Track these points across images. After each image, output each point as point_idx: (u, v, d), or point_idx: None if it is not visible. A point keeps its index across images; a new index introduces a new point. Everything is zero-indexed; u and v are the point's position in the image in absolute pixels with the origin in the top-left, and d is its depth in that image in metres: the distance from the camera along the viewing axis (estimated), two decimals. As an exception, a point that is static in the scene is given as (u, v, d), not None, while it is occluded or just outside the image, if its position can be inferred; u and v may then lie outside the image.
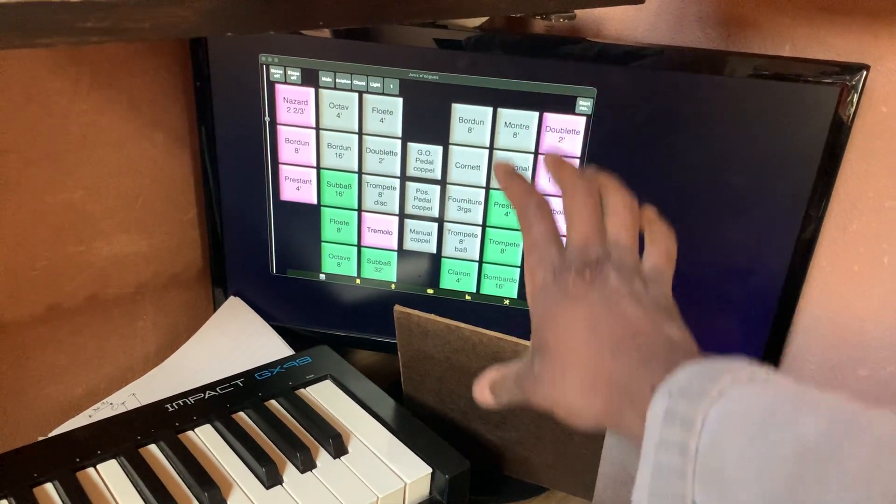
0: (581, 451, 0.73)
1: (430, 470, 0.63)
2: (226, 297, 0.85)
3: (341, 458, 0.63)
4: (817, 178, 0.70)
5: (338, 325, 0.85)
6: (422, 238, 0.78)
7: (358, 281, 0.82)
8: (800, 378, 0.78)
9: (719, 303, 0.76)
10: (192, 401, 0.69)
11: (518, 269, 0.78)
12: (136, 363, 0.84)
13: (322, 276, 0.82)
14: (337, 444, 0.64)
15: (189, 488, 0.59)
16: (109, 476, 0.60)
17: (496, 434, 0.77)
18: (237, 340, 0.83)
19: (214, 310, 0.85)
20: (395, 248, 0.79)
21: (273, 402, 0.70)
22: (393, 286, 0.81)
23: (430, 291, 0.81)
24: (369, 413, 0.70)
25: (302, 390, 0.72)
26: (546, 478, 0.80)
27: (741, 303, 0.76)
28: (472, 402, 0.76)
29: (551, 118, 0.72)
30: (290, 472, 0.61)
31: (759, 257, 0.74)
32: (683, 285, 0.75)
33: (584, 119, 0.71)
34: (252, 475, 0.61)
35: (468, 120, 0.73)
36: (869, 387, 0.76)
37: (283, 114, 0.76)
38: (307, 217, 0.80)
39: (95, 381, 0.81)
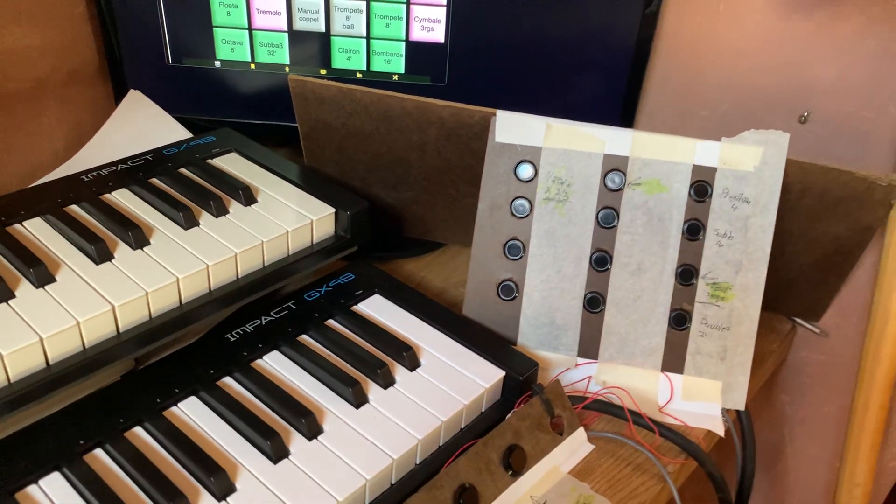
0: (469, 203, 0.83)
1: (332, 209, 0.71)
2: (126, 92, 0.88)
3: (252, 206, 0.71)
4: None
5: (239, 113, 0.90)
6: (310, 17, 0.83)
7: (253, 66, 0.86)
8: (654, 126, 0.91)
9: (580, 65, 0.85)
10: (105, 172, 0.74)
11: (403, 43, 0.84)
12: (46, 160, 0.88)
13: (217, 63, 0.86)
14: (247, 194, 0.71)
15: (112, 232, 0.65)
16: (38, 230, 0.65)
17: (394, 196, 0.85)
18: (142, 132, 0.87)
19: (117, 104, 0.88)
20: (286, 28, 0.84)
21: (184, 169, 0.76)
22: (287, 69, 0.86)
23: (322, 72, 0.87)
24: (275, 174, 0.77)
25: (209, 160, 0.78)
26: (440, 234, 0.90)
27: (601, 64, 0.85)
28: (369, 166, 0.85)
29: None
30: (205, 218, 0.68)
31: (613, 21, 0.83)
32: (547, 48, 0.85)
33: None
34: (171, 221, 0.67)
35: None
36: (710, 125, 0.88)
37: None
38: (196, 3, 0.82)
39: (5, 177, 0.85)
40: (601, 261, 0.71)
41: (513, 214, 0.72)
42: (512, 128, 0.71)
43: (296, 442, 0.57)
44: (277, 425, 0.58)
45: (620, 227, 0.71)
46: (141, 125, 0.88)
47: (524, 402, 0.64)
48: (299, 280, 0.73)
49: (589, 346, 0.72)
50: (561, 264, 0.72)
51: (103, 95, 0.91)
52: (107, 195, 0.71)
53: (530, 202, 0.72)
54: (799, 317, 0.87)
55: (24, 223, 0.66)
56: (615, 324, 0.71)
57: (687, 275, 0.70)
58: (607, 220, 0.71)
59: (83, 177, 0.73)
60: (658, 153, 0.70)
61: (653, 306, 0.71)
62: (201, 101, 0.89)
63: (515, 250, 0.72)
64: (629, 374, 0.71)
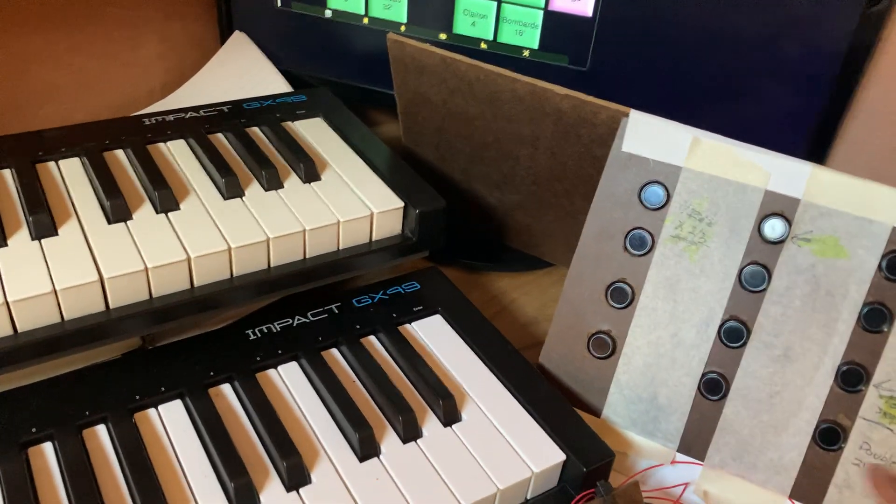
0: (584, 221, 0.67)
1: (401, 203, 0.58)
2: (231, 33, 0.80)
3: (311, 183, 0.59)
4: None
5: (344, 73, 0.78)
6: (436, -31, 0.69)
7: (365, 20, 0.74)
8: (852, 163, 0.69)
9: (763, 67, 0.65)
10: (171, 118, 0.65)
11: (541, 12, 0.69)
12: (141, 95, 0.81)
13: (328, 13, 0.75)
14: (308, 169, 0.59)
15: (143, 189, 0.56)
16: (67, 170, 0.57)
17: (496, 196, 0.71)
18: (242, 79, 0.79)
19: (221, 45, 0.80)
20: (407, -21, 0.71)
21: (255, 128, 0.66)
22: (403, 28, 0.74)
23: (442, 37, 0.73)
24: (355, 151, 0.64)
25: (289, 123, 0.68)
26: (548, 251, 0.74)
27: (795, 70, 0.65)
28: (471, 157, 0.71)
29: None
30: (253, 188, 0.58)
31: (822, 17, 0.62)
32: (723, 41, 0.65)
33: None
34: (213, 187, 0.57)
35: None
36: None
37: None
38: (314, -59, 0.72)
39: (97, 107, 0.79)
40: (735, 333, 0.53)
41: (627, 249, 0.55)
42: (647, 135, 0.54)
43: (270, 488, 0.45)
44: (254, 460, 0.46)
45: (771, 294, 0.52)
46: (242, 72, 0.79)
47: (583, 502, 0.48)
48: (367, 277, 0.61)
49: (695, 442, 0.54)
50: (679, 326, 0.54)
51: (208, 34, 0.83)
52: (158, 144, 0.62)
53: (653, 237, 0.54)
54: None
55: (59, 162, 0.58)
56: (737, 420, 0.53)
57: (853, 377, 0.50)
58: (754, 280, 0.52)
59: (145, 119, 0.64)
60: (844, 202, 0.50)
61: (795, 409, 0.51)
62: (306, 53, 0.79)
63: (621, 296, 0.55)
64: (742, 492, 0.52)
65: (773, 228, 0.51)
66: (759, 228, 0.52)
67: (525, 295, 0.72)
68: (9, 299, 0.45)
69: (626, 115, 0.55)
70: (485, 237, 0.75)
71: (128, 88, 0.80)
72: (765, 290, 0.52)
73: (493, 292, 0.71)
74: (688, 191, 0.53)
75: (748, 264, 0.52)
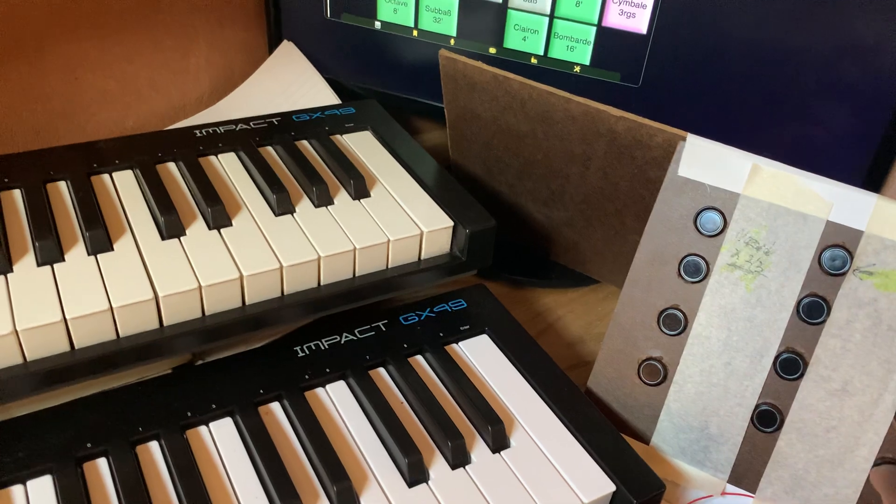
0: (633, 240, 0.66)
1: (451, 223, 0.58)
2: (279, 42, 0.80)
3: (360, 200, 0.59)
4: None
5: (389, 83, 0.78)
6: (488, -17, 0.69)
7: (415, 32, 0.74)
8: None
9: (823, 90, 0.63)
10: (221, 130, 0.65)
11: (594, 29, 0.68)
12: (190, 102, 0.82)
13: (377, 24, 0.75)
14: (358, 186, 0.59)
15: (196, 204, 0.56)
16: (121, 183, 0.58)
17: (544, 212, 0.70)
18: (289, 88, 0.79)
19: (270, 53, 0.80)
20: (458, -7, 0.70)
21: (304, 142, 0.66)
22: (452, 41, 0.73)
23: (492, 51, 0.72)
24: (403, 166, 0.64)
25: (337, 136, 0.68)
26: (595, 268, 0.74)
27: (858, 93, 0.63)
28: (519, 173, 0.70)
29: None
30: (304, 204, 0.58)
31: (891, 36, 0.60)
32: (783, 62, 0.63)
33: None
34: (264, 202, 0.58)
35: None
36: None
37: None
38: (366, -47, 0.71)
39: (146, 114, 0.80)
40: (791, 365, 0.51)
41: (681, 275, 0.54)
42: (704, 160, 0.53)
43: (320, 516, 0.45)
44: (304, 481, 0.46)
45: (829, 327, 0.50)
46: (289, 81, 0.79)
47: (634, 535, 0.47)
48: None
49: (746, 473, 0.53)
50: (733, 355, 0.53)
51: (257, 42, 0.83)
52: (209, 157, 0.62)
53: (708, 264, 0.53)
54: None
55: (112, 174, 0.59)
56: (792, 454, 0.52)
57: (916, 416, 0.48)
58: (812, 312, 0.51)
59: (196, 131, 0.65)
60: (911, 235, 0.48)
61: (853, 445, 0.50)
62: (354, 64, 0.78)
63: (674, 322, 0.55)
64: (796, 527, 0.51)
65: (834, 261, 0.50)
66: (818, 260, 0.51)
67: (570, 313, 0.71)
68: (67, 316, 0.46)
69: (684, 138, 0.54)
70: (530, 252, 0.75)
71: (177, 95, 0.81)
72: (823, 322, 0.50)
73: (537, 309, 0.71)
74: (746, 218, 0.52)
75: (807, 296, 0.51)
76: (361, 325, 0.58)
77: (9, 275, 0.48)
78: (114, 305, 0.47)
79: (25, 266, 0.49)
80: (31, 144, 0.74)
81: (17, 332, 0.45)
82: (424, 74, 0.76)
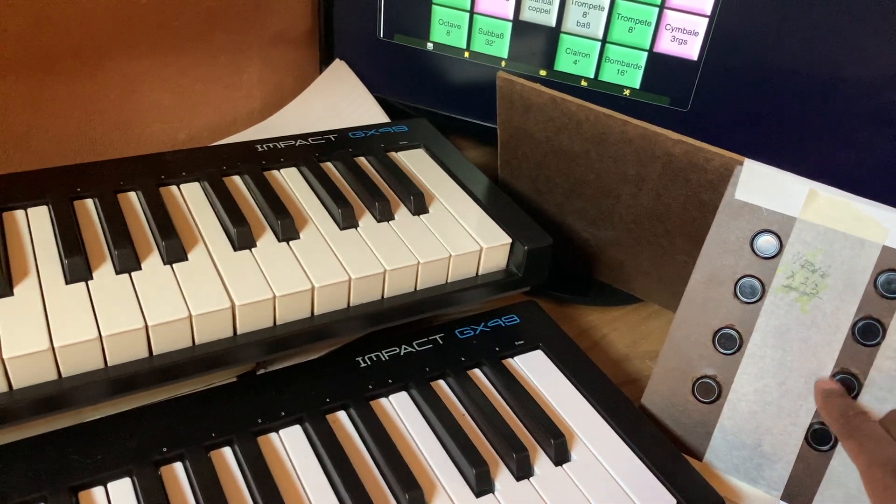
0: (681, 260, 0.67)
1: (509, 240, 0.59)
2: (331, 61, 0.82)
3: (420, 216, 0.61)
4: None
5: (442, 104, 0.80)
6: (541, 8, 0.71)
7: (467, 54, 0.76)
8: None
9: (878, 117, 0.65)
10: (282, 145, 0.67)
11: (645, 54, 0.69)
12: (241, 117, 0.84)
13: (430, 46, 0.77)
14: (418, 202, 0.61)
15: (265, 217, 0.58)
16: (190, 195, 0.60)
17: (591, 231, 0.71)
18: (338, 106, 0.81)
19: (320, 72, 0.82)
20: (511, 17, 0.72)
21: (362, 158, 0.68)
22: (503, 63, 0.75)
23: (542, 73, 0.74)
24: (457, 182, 0.66)
25: (393, 153, 0.69)
26: (640, 287, 0.75)
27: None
28: (569, 193, 0.72)
29: None
30: (366, 219, 0.59)
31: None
32: (833, 88, 0.65)
33: None
34: (328, 216, 0.59)
35: None
36: None
37: None
38: (421, -24, 0.73)
39: (198, 127, 0.82)
40: (845, 386, 0.53)
41: (736, 296, 0.56)
42: (761, 185, 0.54)
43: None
44: (375, 490, 0.47)
45: (885, 349, 0.52)
46: (339, 99, 0.81)
47: (695, 549, 0.48)
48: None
49: (799, 491, 0.54)
50: (787, 375, 0.54)
51: (308, 60, 0.85)
52: (273, 171, 0.64)
53: (763, 285, 0.55)
54: None
55: (180, 186, 0.61)
56: (845, 473, 0.53)
57: (971, 438, 0.50)
58: (867, 334, 0.52)
59: (258, 146, 0.66)
60: (967, 262, 0.50)
61: (907, 466, 0.51)
62: (405, 83, 0.80)
63: (730, 342, 0.56)
64: (850, 546, 0.52)
65: (889, 285, 0.51)
66: (874, 283, 0.52)
67: (615, 331, 0.72)
68: (149, 324, 0.47)
69: (741, 163, 0.55)
70: (574, 270, 0.76)
71: (229, 110, 0.83)
72: (879, 343, 0.52)
73: (582, 326, 0.72)
74: (802, 242, 0.54)
75: (862, 319, 0.52)
76: (418, 339, 0.60)
77: (89, 282, 0.50)
78: (193, 314, 0.48)
79: (104, 274, 0.51)
80: (88, 154, 0.76)
81: (101, 337, 0.46)
82: (474, 95, 0.77)
